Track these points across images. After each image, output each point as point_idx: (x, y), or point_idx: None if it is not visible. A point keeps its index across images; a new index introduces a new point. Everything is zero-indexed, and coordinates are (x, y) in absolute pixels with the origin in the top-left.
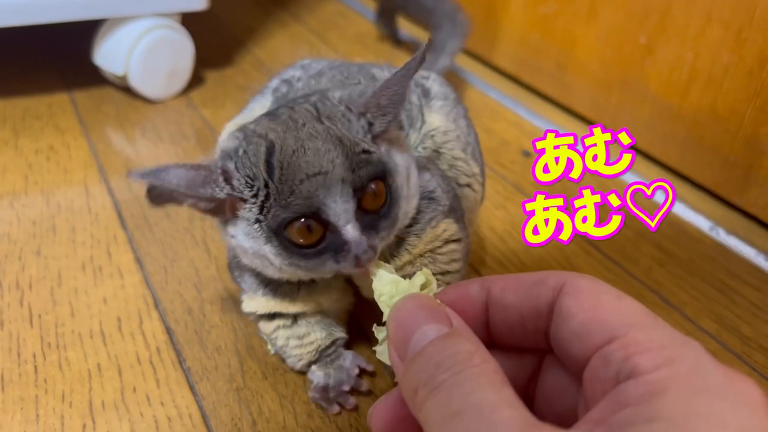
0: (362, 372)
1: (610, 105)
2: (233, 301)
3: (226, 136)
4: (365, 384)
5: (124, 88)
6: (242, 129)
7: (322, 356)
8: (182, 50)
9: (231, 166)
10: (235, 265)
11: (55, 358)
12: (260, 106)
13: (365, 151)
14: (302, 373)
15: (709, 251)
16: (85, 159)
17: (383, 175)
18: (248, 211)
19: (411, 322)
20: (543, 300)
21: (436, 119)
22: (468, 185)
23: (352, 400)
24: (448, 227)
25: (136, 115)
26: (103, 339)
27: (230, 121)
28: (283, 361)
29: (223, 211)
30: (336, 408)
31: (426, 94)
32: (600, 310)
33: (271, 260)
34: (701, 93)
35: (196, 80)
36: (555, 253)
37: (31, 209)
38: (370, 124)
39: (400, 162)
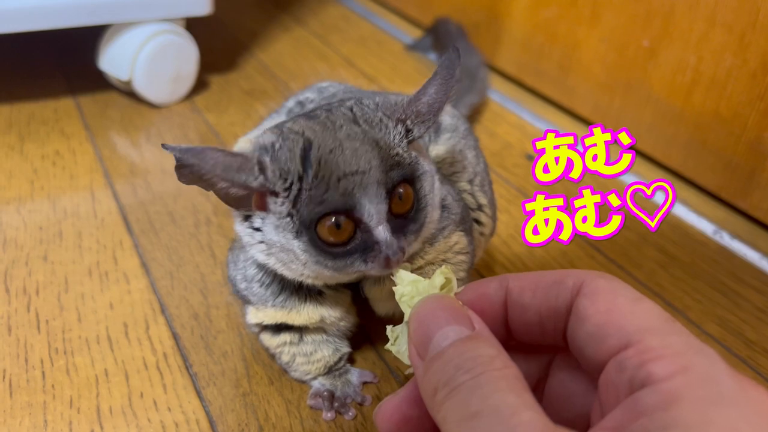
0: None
1: (613, 108)
2: (239, 306)
3: (256, 136)
4: (369, 399)
5: (128, 93)
6: (278, 126)
7: (331, 371)
8: (187, 55)
9: (266, 158)
10: (241, 278)
11: (62, 363)
12: (275, 123)
13: (398, 155)
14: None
15: (713, 254)
16: (90, 164)
17: (412, 179)
18: (280, 205)
19: (433, 323)
20: (561, 300)
21: (442, 150)
22: (474, 219)
23: (352, 412)
24: (459, 240)
25: (141, 119)
26: (110, 344)
27: (244, 136)
28: (287, 373)
29: (249, 203)
30: (332, 415)
31: (436, 129)
32: (615, 314)
33: (298, 255)
34: (704, 96)
35: (200, 85)
36: (558, 256)
37: (38, 214)
38: (408, 131)
39: (428, 169)
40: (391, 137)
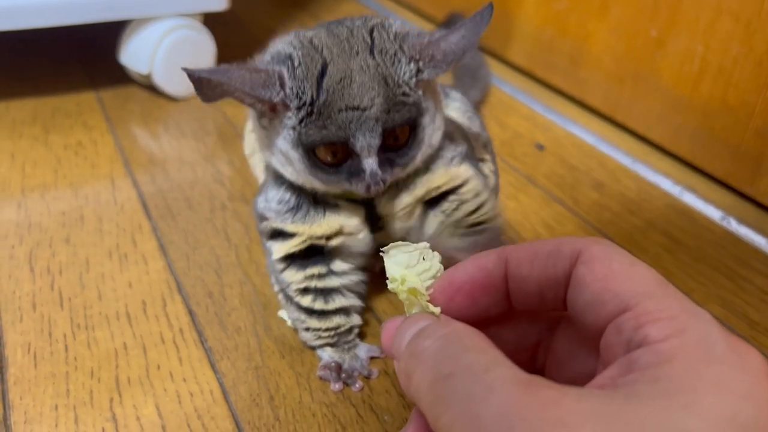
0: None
1: (623, 98)
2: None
3: (281, 42)
4: (376, 372)
5: (148, 86)
6: (297, 36)
7: (339, 341)
8: (204, 49)
9: (285, 73)
10: (263, 199)
11: (84, 337)
12: None
13: (404, 94)
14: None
15: (719, 240)
16: (111, 154)
17: (413, 121)
18: (288, 118)
19: (402, 328)
20: (559, 269)
21: (453, 115)
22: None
23: (359, 384)
24: (465, 170)
25: (160, 112)
26: (129, 320)
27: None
28: (298, 332)
29: (265, 108)
30: (340, 386)
31: (446, 94)
32: (612, 280)
33: (294, 164)
34: (712, 84)
35: None
36: None
37: (61, 201)
38: (419, 71)
39: (431, 108)
40: (401, 74)
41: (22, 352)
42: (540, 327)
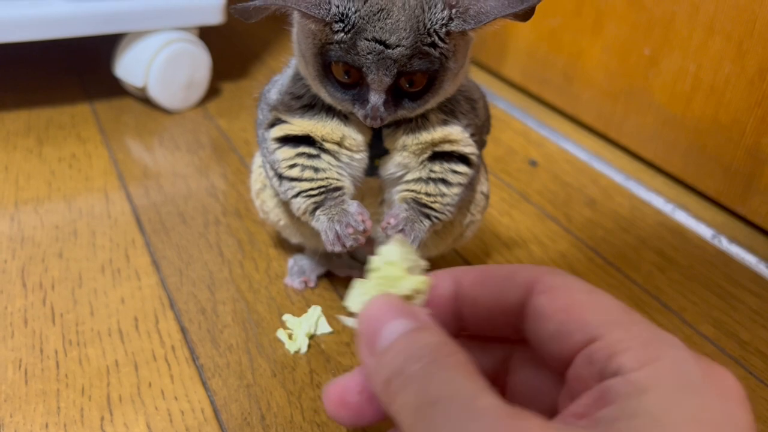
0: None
1: (616, 115)
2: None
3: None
4: (370, 222)
5: (143, 99)
6: None
7: (327, 199)
8: (199, 63)
9: None
10: (276, 91)
11: (75, 354)
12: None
13: (432, 44)
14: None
15: (710, 258)
16: (105, 167)
17: (432, 73)
18: (319, 31)
19: (379, 319)
20: (512, 297)
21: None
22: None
23: (361, 239)
24: (469, 143)
25: (155, 125)
26: (121, 337)
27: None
28: (289, 203)
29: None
30: (341, 246)
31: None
32: (576, 310)
33: (310, 70)
34: (704, 103)
35: (212, 92)
36: (557, 258)
37: (54, 214)
38: (450, 19)
39: (453, 66)
40: (434, 20)
41: (13, 368)
42: (494, 357)
